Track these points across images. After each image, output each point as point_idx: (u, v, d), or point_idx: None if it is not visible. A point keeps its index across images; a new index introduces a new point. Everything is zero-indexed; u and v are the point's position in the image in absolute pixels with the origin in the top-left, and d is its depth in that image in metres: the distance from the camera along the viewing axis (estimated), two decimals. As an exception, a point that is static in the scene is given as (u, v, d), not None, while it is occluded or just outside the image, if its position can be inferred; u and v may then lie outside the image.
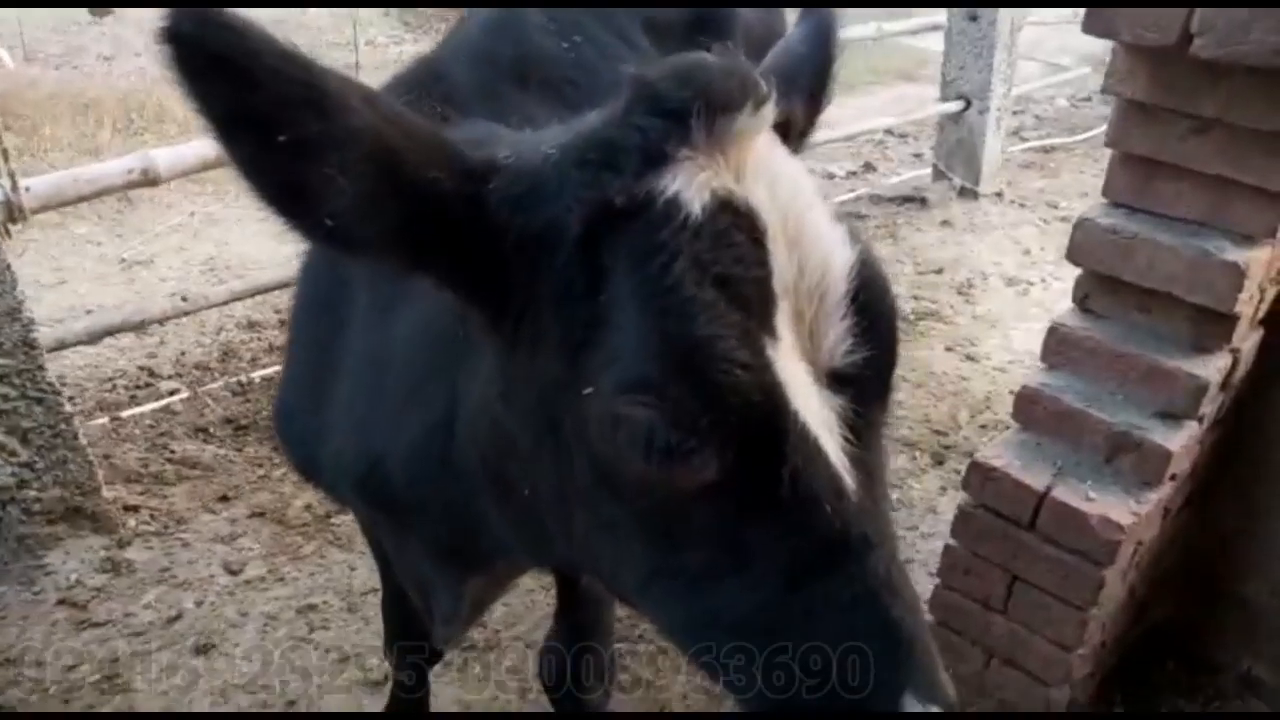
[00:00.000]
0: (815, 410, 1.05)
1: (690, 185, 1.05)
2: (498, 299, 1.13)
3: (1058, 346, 2.69)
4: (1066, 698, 2.74)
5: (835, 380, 1.08)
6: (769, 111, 1.09)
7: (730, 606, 1.11)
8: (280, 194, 1.01)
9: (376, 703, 2.88)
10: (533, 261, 1.09)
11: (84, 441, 3.36)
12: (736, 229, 1.05)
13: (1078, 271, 2.69)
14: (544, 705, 2.90)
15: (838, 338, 1.08)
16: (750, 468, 1.04)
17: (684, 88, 1.06)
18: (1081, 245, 2.61)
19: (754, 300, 1.03)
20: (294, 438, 1.84)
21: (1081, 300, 2.72)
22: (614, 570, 1.24)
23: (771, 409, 1.02)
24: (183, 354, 4.85)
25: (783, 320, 1.04)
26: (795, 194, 1.10)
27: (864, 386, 1.10)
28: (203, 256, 6.01)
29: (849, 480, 1.07)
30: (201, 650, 3.11)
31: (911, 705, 1.03)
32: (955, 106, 6.95)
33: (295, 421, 1.83)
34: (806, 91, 1.37)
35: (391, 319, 1.51)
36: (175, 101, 8.17)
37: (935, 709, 1.04)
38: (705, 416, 1.00)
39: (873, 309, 1.11)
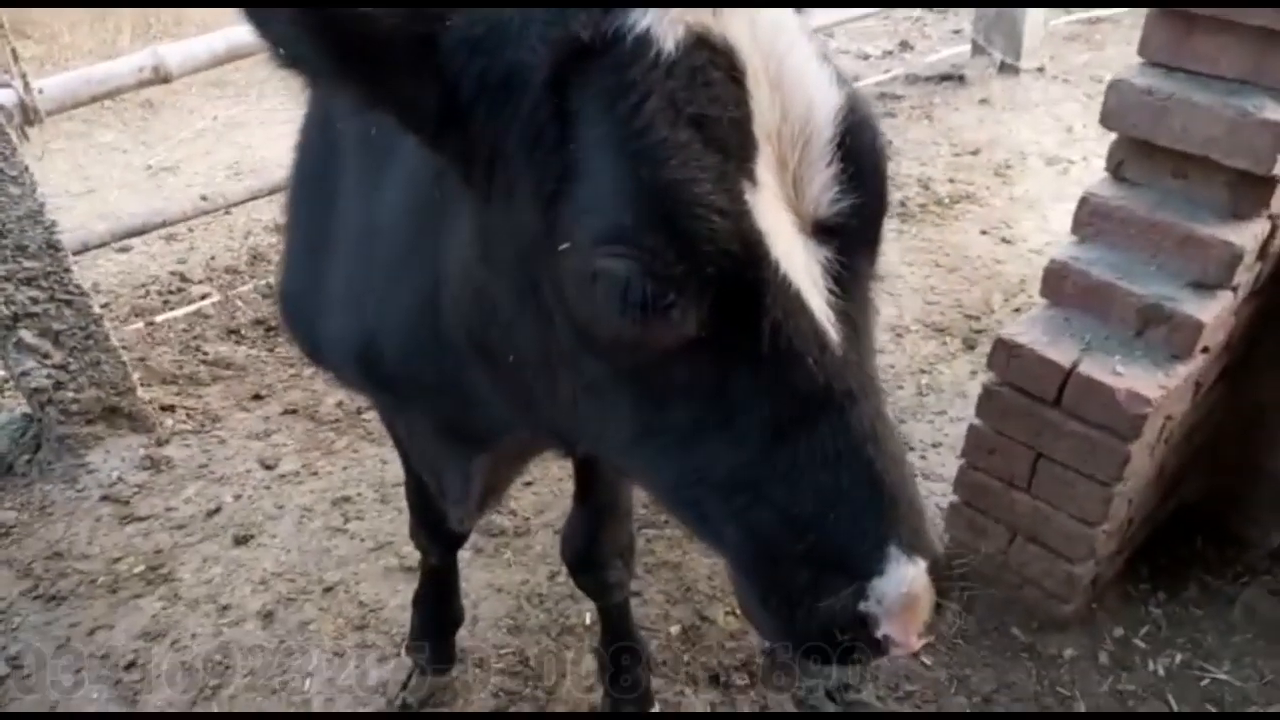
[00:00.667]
0: (798, 261, 1.02)
1: (663, 20, 0.99)
2: (465, 149, 1.09)
3: (1089, 218, 2.61)
4: (1090, 574, 2.74)
5: (821, 230, 1.04)
6: None
7: (716, 463, 1.09)
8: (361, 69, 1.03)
9: (410, 586, 2.96)
10: (497, 108, 1.04)
11: (116, 343, 3.42)
12: (713, 67, 0.99)
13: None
14: (572, 589, 2.97)
15: (823, 185, 1.03)
16: (730, 320, 1.01)
17: None
18: (1115, 109, 2.50)
19: (732, 143, 0.98)
20: (296, 319, 1.83)
21: (1115, 168, 2.63)
22: (600, 433, 1.23)
23: (750, 258, 0.98)
24: (212, 258, 4.88)
25: (764, 166, 1.00)
26: (778, 33, 1.04)
27: (851, 236, 1.06)
28: (228, 160, 5.99)
29: (833, 333, 1.04)
30: (241, 541, 3.21)
31: (895, 556, 1.02)
32: (995, -23, 6.61)
33: (296, 302, 1.82)
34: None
35: (379, 186, 1.47)
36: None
37: (919, 559, 1.03)
38: (681, 265, 0.97)
39: (860, 155, 1.05)
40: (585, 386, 1.17)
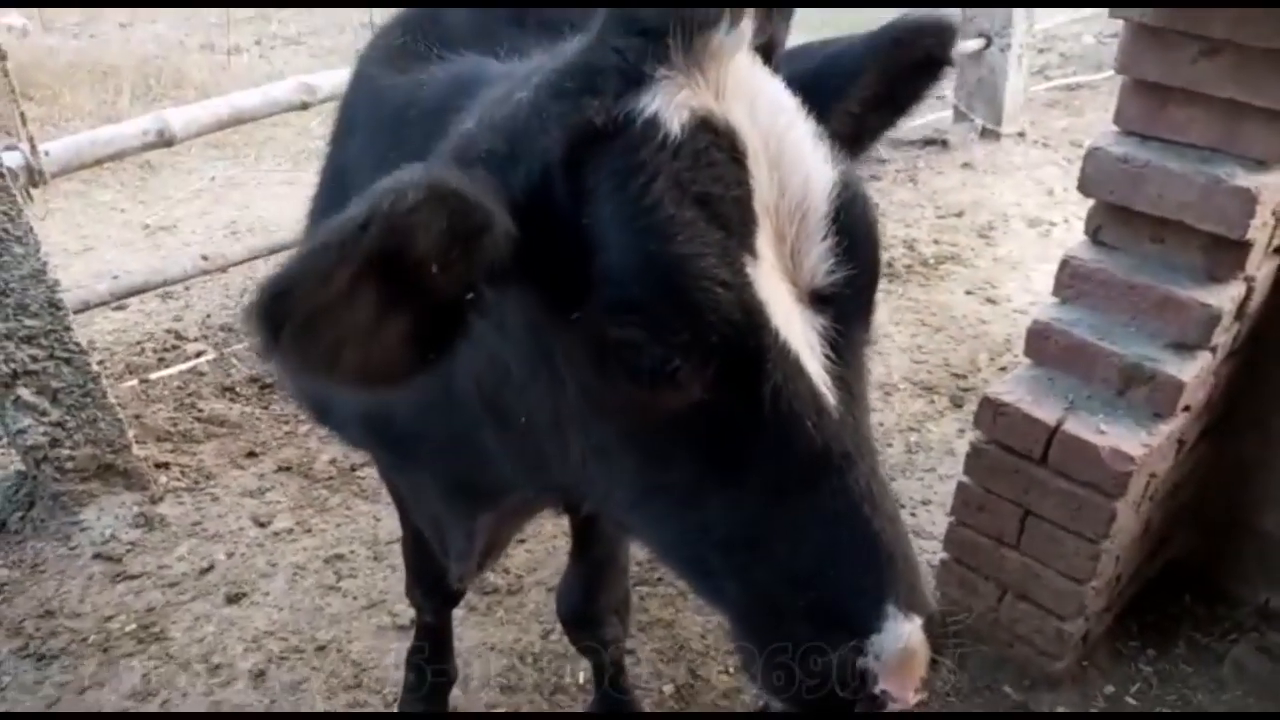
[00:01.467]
0: (797, 329, 1.08)
1: (669, 104, 1.05)
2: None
3: (1069, 280, 2.68)
4: (1080, 630, 2.77)
5: (817, 300, 1.10)
6: (748, 28, 1.09)
7: (718, 521, 1.14)
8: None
9: (403, 645, 2.95)
10: (539, 200, 1.10)
11: (113, 400, 3.44)
12: (716, 148, 1.06)
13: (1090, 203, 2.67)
14: (566, 648, 2.98)
15: (819, 258, 1.09)
16: (733, 386, 1.07)
17: (660, 6, 1.06)
18: (1093, 176, 2.59)
19: (734, 219, 1.04)
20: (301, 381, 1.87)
21: (1094, 232, 2.71)
22: (607, 492, 1.27)
23: (752, 326, 1.04)
24: (208, 316, 4.92)
25: (764, 240, 1.06)
26: (776, 113, 1.11)
27: (846, 305, 1.12)
28: (225, 220, 6.06)
29: (830, 397, 1.09)
30: (233, 599, 3.21)
31: (893, 614, 1.05)
32: (975, 44, 6.80)
33: None
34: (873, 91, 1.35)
35: None
36: (192, 66, 8.23)
37: (915, 616, 1.06)
38: (687, 334, 1.03)
39: (854, 228, 1.11)
40: (594, 448, 1.22)
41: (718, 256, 1.02)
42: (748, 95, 1.09)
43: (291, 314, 0.90)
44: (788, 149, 1.09)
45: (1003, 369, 4.43)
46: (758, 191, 1.06)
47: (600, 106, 1.06)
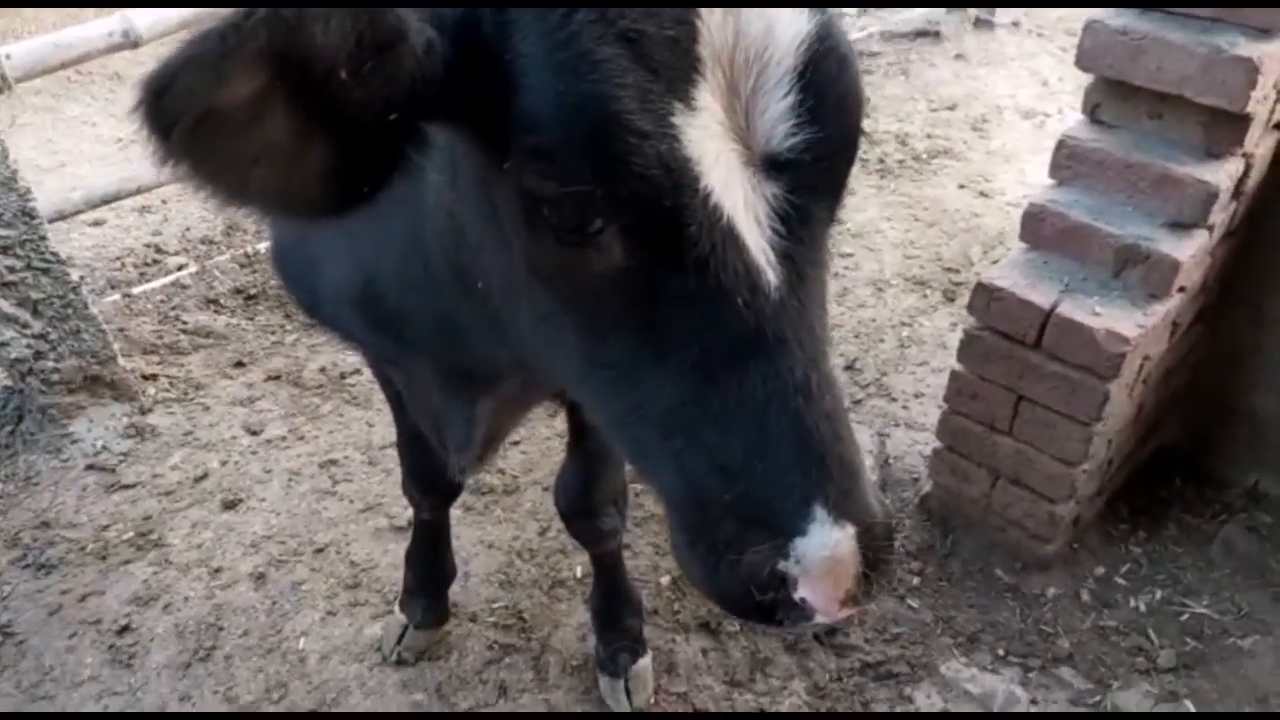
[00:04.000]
0: (737, 194, 0.97)
1: None
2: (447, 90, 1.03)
3: (1066, 160, 2.63)
4: (1072, 514, 2.79)
5: (772, 165, 0.99)
6: None
7: (651, 400, 1.07)
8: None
9: (401, 546, 2.97)
10: (465, 39, 0.99)
11: (95, 312, 3.39)
12: None
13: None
14: (563, 544, 3.01)
15: (777, 117, 0.97)
16: (658, 251, 0.98)
17: None
18: (1091, 49, 2.52)
19: (666, 63, 0.92)
20: (292, 273, 1.82)
21: (1092, 110, 2.64)
22: (553, 364, 1.22)
23: (672, 184, 0.93)
24: (188, 229, 4.83)
25: (708, 91, 0.94)
26: None
27: (808, 175, 1.00)
28: (200, 130, 5.91)
29: (771, 274, 1.00)
30: (230, 505, 3.21)
31: (820, 518, 0.98)
32: (968, -69, 6.59)
33: (291, 254, 1.81)
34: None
35: None
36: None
37: (847, 524, 0.99)
38: (599, 188, 0.94)
39: (825, 88, 0.99)
40: (538, 316, 1.15)
41: (636, 101, 0.91)
42: None
43: (179, 111, 0.81)
44: None
45: (995, 262, 4.40)
46: (705, 35, 0.93)
47: None
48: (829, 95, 0.99)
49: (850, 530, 0.98)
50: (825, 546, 0.98)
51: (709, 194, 0.94)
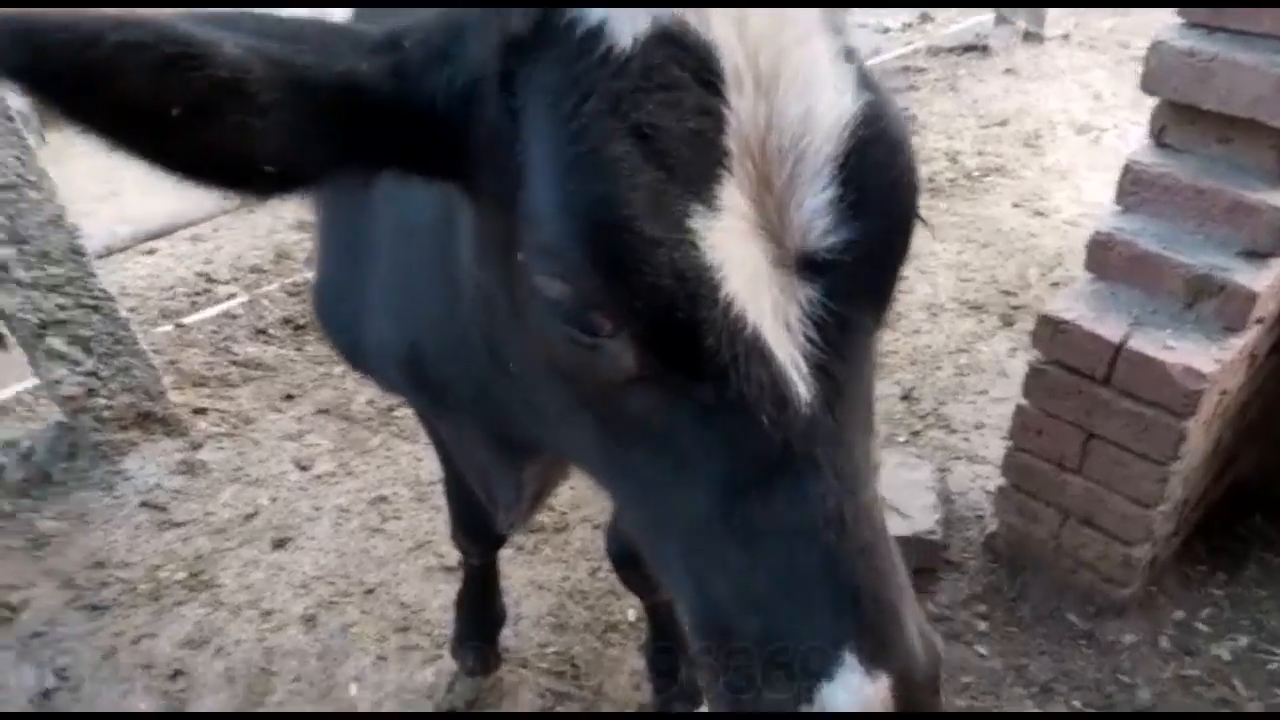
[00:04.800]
0: (763, 299, 0.87)
1: (623, 13, 0.84)
2: (455, 164, 0.98)
3: (1132, 186, 2.52)
4: (1148, 555, 2.67)
5: (808, 265, 0.88)
6: None
7: (671, 512, 0.98)
8: (208, 168, 0.87)
9: (451, 587, 2.94)
10: (469, 113, 0.93)
11: (145, 347, 3.40)
12: (677, 66, 0.84)
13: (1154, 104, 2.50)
14: (614, 585, 2.94)
15: (814, 211, 0.87)
16: (676, 361, 0.89)
17: None
18: (1156, 72, 2.41)
19: (685, 158, 0.83)
20: (335, 325, 1.79)
21: (1158, 134, 2.54)
22: (579, 455, 1.16)
23: (687, 294, 0.83)
24: (238, 258, 4.87)
25: (734, 186, 0.85)
26: (781, 24, 0.87)
27: (850, 276, 0.89)
28: (248, 160, 5.97)
29: (802, 388, 0.89)
30: (280, 544, 3.19)
31: (850, 665, 0.87)
32: (1017, -57, 6.47)
33: (333, 305, 1.77)
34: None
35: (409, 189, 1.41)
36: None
37: (882, 674, 0.88)
38: (609, 296, 0.85)
39: (872, 177, 0.89)
40: (561, 407, 1.08)
41: (647, 204, 0.82)
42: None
43: None
44: (788, 71, 0.86)
45: (1055, 284, 4.28)
46: (734, 124, 0.84)
47: (535, 11, 0.87)
48: (875, 186, 0.89)
49: (884, 680, 0.88)
50: (853, 697, 0.87)
51: (730, 302, 0.85)
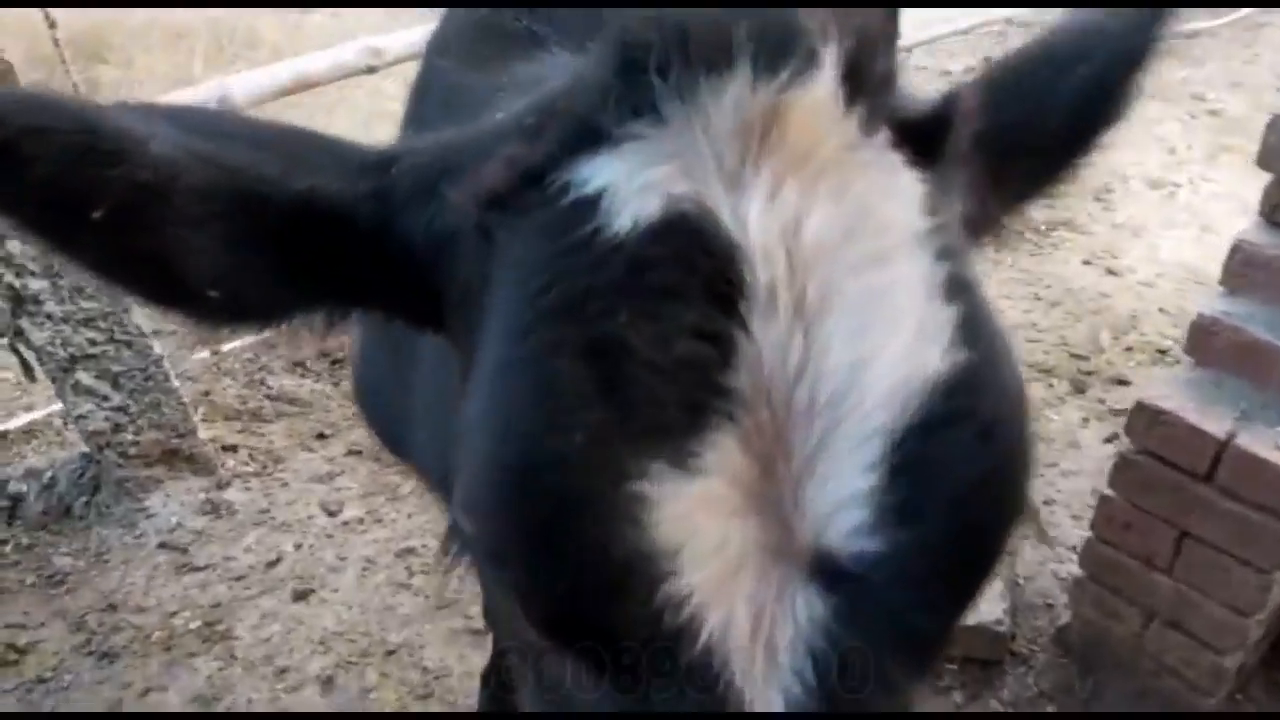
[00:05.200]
0: (741, 606, 0.62)
1: (631, 181, 0.63)
2: (435, 313, 0.81)
3: (1240, 268, 2.31)
4: (1238, 664, 2.43)
5: (823, 575, 0.63)
6: (826, 81, 0.62)
7: None
8: (141, 284, 0.74)
9: (478, 652, 2.76)
10: (445, 263, 0.76)
11: (176, 384, 3.28)
12: (683, 268, 0.61)
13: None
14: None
15: (844, 501, 0.62)
16: (605, 659, 0.65)
17: (656, 25, 0.63)
18: (1275, 148, 2.21)
19: (658, 395, 0.60)
20: (378, 416, 1.65)
21: (1270, 212, 2.32)
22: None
23: (612, 583, 0.60)
24: (278, 286, 4.78)
25: (734, 441, 0.61)
26: (853, 233, 0.63)
27: (880, 604, 0.63)
28: (295, 184, 5.92)
29: None
30: (301, 596, 3.04)
31: None
32: (1089, -10, 6.27)
33: (376, 400, 1.63)
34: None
35: None
36: (265, 26, 8.11)
37: None
38: (529, 579, 0.64)
39: (945, 471, 0.63)
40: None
41: (583, 449, 0.59)
42: (808, 189, 0.62)
43: None
44: (846, 299, 0.62)
45: (1129, 349, 4.04)
46: (749, 357, 0.61)
47: (521, 160, 0.68)
48: (944, 484, 0.63)
49: None
50: None
51: (683, 600, 0.61)
